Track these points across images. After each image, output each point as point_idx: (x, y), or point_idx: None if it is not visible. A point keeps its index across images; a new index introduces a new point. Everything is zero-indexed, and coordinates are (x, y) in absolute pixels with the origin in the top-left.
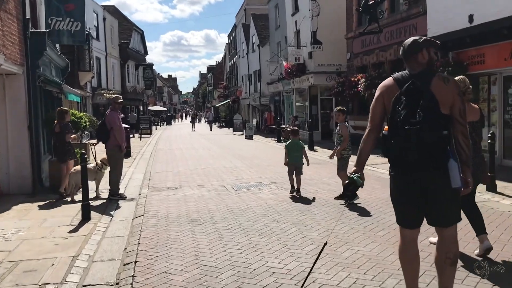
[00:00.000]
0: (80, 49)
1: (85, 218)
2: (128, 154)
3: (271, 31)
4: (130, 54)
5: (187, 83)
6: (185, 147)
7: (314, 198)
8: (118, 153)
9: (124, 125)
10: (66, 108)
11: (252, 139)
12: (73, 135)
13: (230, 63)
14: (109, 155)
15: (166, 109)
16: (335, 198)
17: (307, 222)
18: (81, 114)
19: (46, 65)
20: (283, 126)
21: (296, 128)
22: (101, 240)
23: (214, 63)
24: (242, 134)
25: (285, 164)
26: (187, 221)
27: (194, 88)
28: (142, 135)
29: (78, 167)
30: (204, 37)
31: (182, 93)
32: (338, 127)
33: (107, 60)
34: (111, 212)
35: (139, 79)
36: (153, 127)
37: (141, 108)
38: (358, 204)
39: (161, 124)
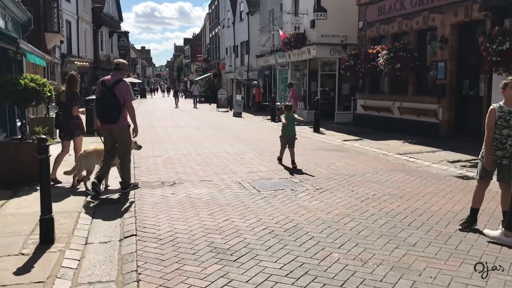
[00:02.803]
0: (47, 6)
1: (46, 240)
2: (83, 131)
3: None
4: (104, 20)
5: (160, 56)
6: (168, 125)
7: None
8: (130, 134)
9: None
10: (76, 73)
11: (241, 117)
12: (82, 109)
13: (210, 35)
14: (121, 138)
15: (140, 81)
16: (462, 228)
17: (415, 264)
18: (43, 80)
19: None
20: (279, 103)
21: (290, 103)
22: None
23: (188, 36)
24: (227, 111)
25: (281, 136)
26: (209, 250)
27: (168, 61)
28: None
29: (91, 148)
30: (178, 10)
31: (156, 66)
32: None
33: (79, 25)
34: (86, 225)
35: (113, 47)
36: None
37: None
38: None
39: (135, 97)
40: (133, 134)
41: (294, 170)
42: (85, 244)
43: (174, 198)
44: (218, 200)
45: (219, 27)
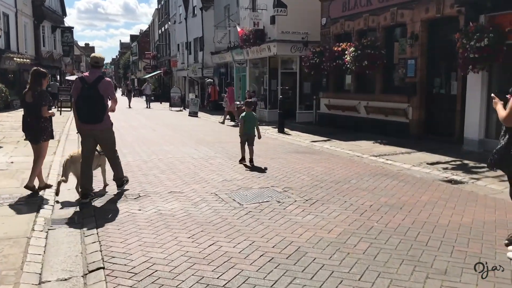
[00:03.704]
0: None
1: None
2: (50, 135)
3: None
4: (46, 14)
5: (105, 53)
6: (121, 126)
7: (266, 168)
8: (113, 133)
9: None
10: (44, 70)
11: (198, 116)
12: (51, 111)
13: (160, 31)
14: (108, 137)
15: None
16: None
17: None
18: None
19: None
20: (238, 103)
21: (250, 100)
22: None
23: (134, 33)
24: (181, 110)
25: (240, 135)
26: None
27: (113, 59)
28: (63, 109)
29: (77, 151)
30: (122, 6)
31: None
32: None
33: (18, 18)
34: (39, 256)
35: (57, 43)
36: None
37: (58, 77)
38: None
39: None
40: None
41: (269, 173)
42: (39, 283)
43: (143, 215)
44: (195, 217)
45: (169, 23)
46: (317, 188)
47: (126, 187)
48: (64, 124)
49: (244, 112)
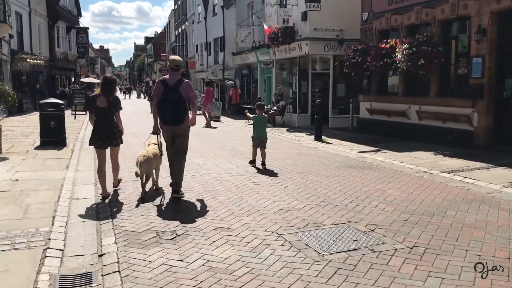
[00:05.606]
0: None
1: None
2: (62, 142)
3: None
4: (60, 14)
5: (119, 56)
6: (139, 132)
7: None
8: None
9: (56, 101)
10: (114, 77)
11: (220, 121)
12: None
13: (176, 32)
14: (185, 138)
15: (100, 81)
16: None
17: None
18: None
19: None
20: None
21: (262, 102)
22: None
23: (148, 35)
24: (201, 114)
25: (252, 137)
26: None
27: (127, 61)
28: (77, 112)
29: (150, 151)
30: (136, 9)
31: (115, 66)
32: None
33: (31, 18)
34: None
35: (71, 44)
36: None
37: (73, 79)
38: None
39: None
40: (190, 123)
41: (334, 198)
42: None
43: (186, 270)
44: (262, 277)
45: (186, 23)
46: (411, 225)
47: (154, 219)
48: (79, 130)
49: (256, 115)
